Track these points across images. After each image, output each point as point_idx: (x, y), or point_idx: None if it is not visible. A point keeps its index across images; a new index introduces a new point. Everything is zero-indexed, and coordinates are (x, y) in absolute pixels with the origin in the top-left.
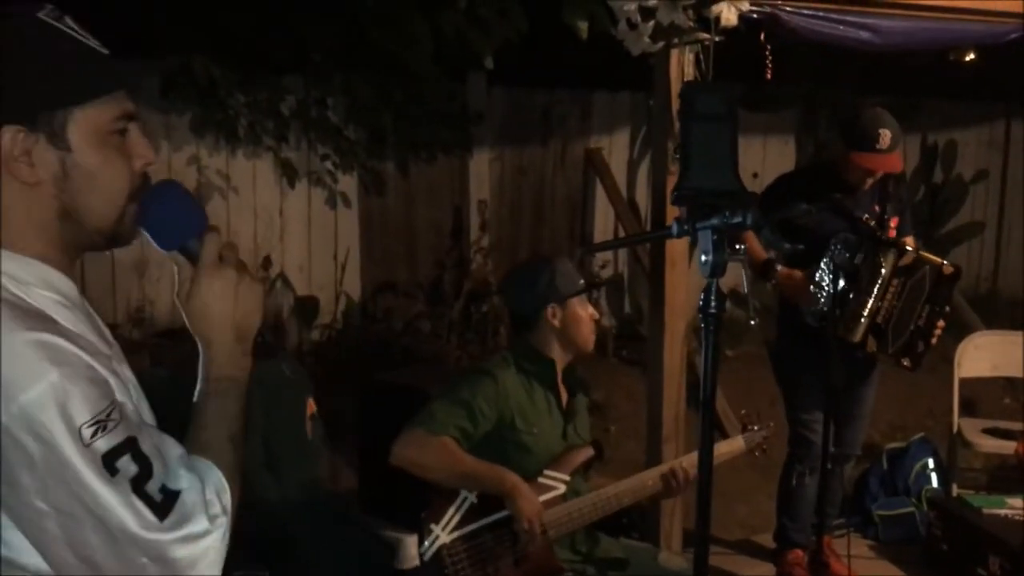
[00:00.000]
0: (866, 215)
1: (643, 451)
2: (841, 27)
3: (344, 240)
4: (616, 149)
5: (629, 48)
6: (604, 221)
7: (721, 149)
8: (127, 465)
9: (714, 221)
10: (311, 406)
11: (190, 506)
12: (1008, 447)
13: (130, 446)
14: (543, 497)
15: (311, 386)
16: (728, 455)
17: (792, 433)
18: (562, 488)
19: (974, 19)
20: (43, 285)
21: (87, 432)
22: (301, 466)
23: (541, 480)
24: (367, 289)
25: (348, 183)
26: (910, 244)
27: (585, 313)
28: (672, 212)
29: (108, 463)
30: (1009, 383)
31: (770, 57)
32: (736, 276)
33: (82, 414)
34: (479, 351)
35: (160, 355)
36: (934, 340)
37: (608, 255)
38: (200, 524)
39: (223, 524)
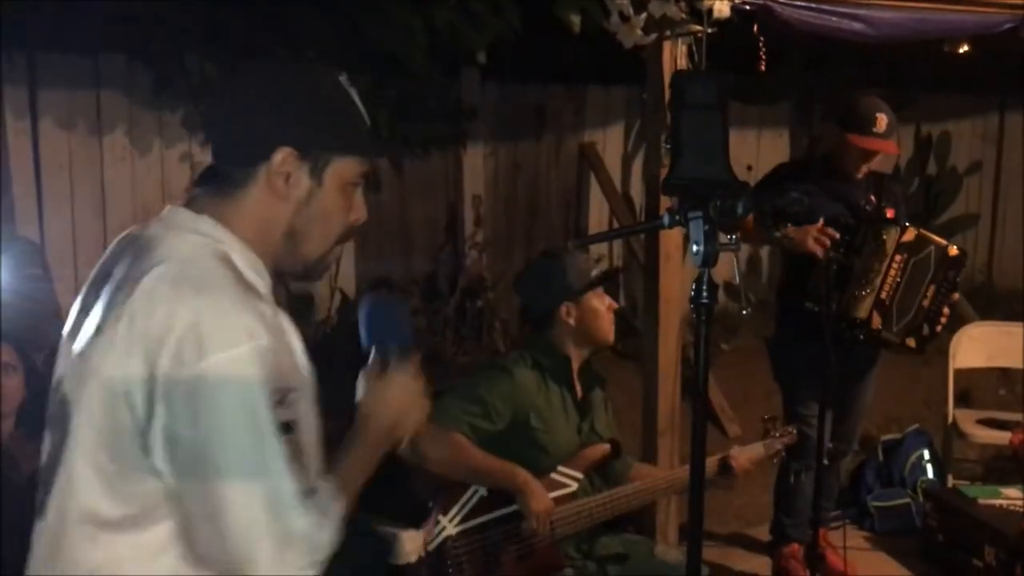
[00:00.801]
0: (864, 202)
1: (639, 445)
2: (834, 18)
3: None
4: (610, 143)
5: (622, 41)
6: (599, 215)
7: (712, 138)
8: (284, 444)
9: (705, 211)
10: None
11: (324, 506)
12: (1003, 437)
13: (290, 429)
14: (555, 493)
15: None
16: (748, 461)
17: None
18: (574, 486)
19: (967, 9)
20: (254, 272)
21: (273, 398)
22: None
23: (554, 476)
24: (362, 285)
25: None
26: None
27: (602, 305)
28: (666, 205)
29: (280, 431)
30: (1004, 374)
31: (764, 49)
32: (730, 269)
33: (272, 381)
34: (474, 346)
35: None
36: (939, 327)
37: (604, 248)
38: (328, 527)
39: (334, 544)
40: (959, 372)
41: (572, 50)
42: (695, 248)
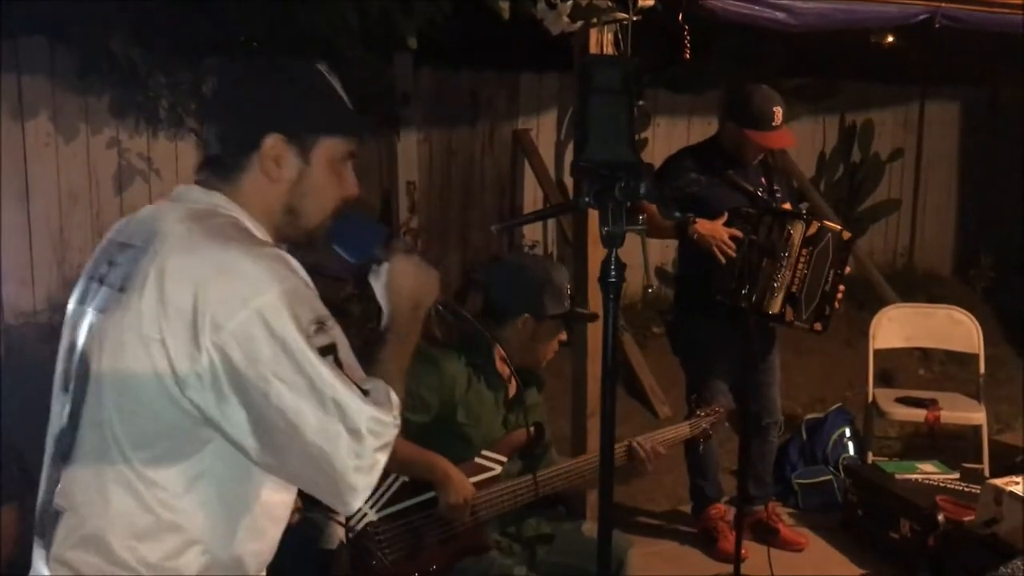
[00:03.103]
0: (760, 189)
1: (570, 427)
2: (757, 7)
3: None
4: (544, 130)
5: (548, 28)
6: (533, 201)
7: (618, 122)
8: (332, 362)
9: (611, 192)
10: None
11: (381, 399)
12: (919, 415)
13: (333, 350)
14: (477, 478)
15: None
16: (674, 440)
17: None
18: (497, 469)
19: (884, 1)
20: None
21: (311, 328)
22: None
23: (478, 460)
24: None
25: None
26: (787, 207)
27: (556, 333)
28: None
29: (323, 353)
30: (924, 355)
31: (688, 37)
32: (664, 253)
33: (308, 313)
34: None
35: None
36: (838, 304)
37: (538, 235)
38: (390, 415)
39: (395, 431)
40: (879, 352)
41: (505, 36)
42: (604, 229)
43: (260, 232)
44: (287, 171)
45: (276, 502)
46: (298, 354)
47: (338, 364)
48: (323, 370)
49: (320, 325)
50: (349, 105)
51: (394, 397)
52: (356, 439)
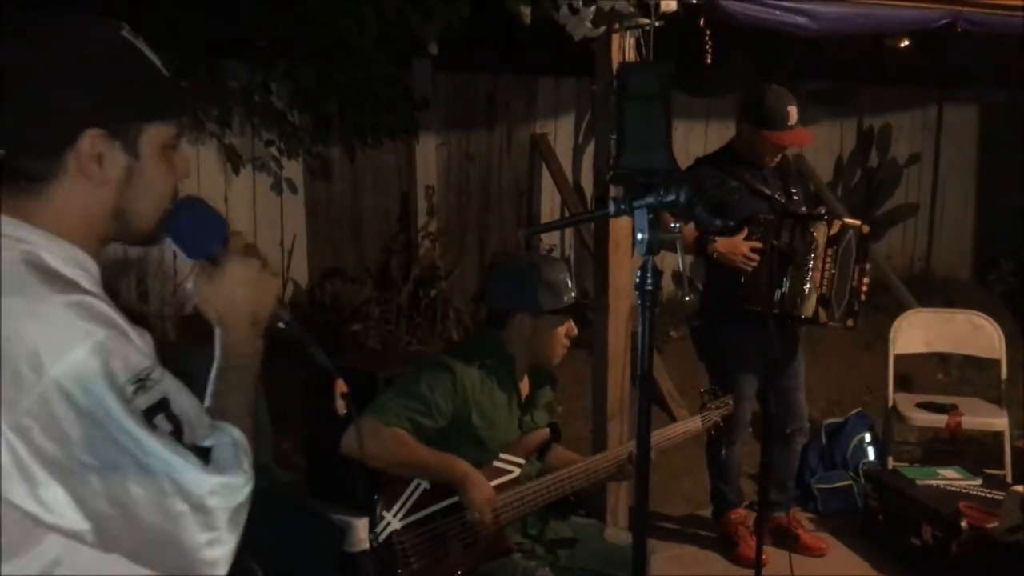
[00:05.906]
0: (778, 193)
1: (589, 430)
2: (777, 12)
3: (290, 226)
4: (561, 134)
5: (571, 33)
6: (550, 205)
7: (655, 128)
8: (162, 423)
9: (649, 200)
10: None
11: (226, 459)
12: (940, 420)
13: (164, 406)
14: (496, 481)
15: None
16: (685, 435)
17: None
18: (516, 472)
19: (905, 5)
20: (74, 264)
21: (129, 389)
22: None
23: (496, 464)
24: (314, 275)
25: (293, 169)
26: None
27: (560, 329)
28: (615, 195)
29: (148, 419)
30: (943, 359)
31: (710, 42)
32: (675, 257)
33: (124, 372)
34: (428, 335)
35: None
36: (863, 297)
37: (555, 239)
38: (239, 476)
39: (249, 486)
40: (899, 357)
41: (523, 41)
42: (639, 236)
43: (70, 257)
44: (113, 171)
45: None
46: (115, 428)
47: (172, 422)
48: (149, 442)
49: (141, 382)
50: (165, 72)
51: (246, 443)
52: (202, 513)
